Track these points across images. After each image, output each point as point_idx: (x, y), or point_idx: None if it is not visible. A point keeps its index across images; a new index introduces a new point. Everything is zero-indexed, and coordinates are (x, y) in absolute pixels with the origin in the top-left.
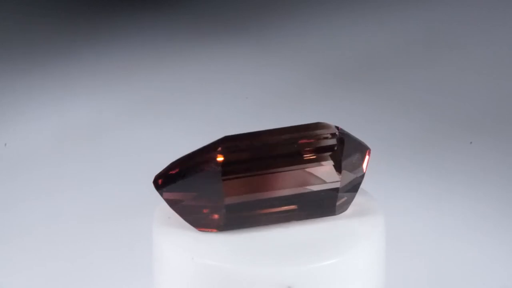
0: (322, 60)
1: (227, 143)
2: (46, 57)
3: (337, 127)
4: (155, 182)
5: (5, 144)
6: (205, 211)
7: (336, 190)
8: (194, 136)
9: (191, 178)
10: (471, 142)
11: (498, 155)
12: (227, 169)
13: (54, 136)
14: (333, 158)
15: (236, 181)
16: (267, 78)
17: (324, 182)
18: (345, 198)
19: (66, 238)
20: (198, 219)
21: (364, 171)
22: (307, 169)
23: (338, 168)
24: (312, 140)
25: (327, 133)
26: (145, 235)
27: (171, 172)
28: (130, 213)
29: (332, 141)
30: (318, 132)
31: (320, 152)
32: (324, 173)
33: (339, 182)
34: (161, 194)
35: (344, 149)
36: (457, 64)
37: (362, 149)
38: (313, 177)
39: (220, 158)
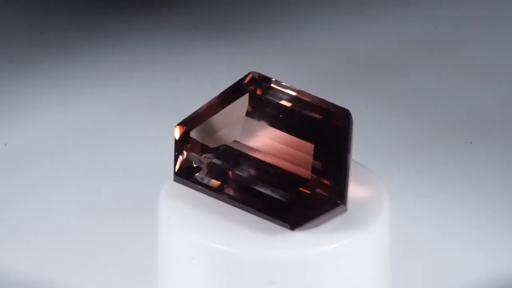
0: (322, 60)
1: None
2: (46, 57)
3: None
4: None
5: (5, 144)
6: None
7: None
8: None
9: None
10: (471, 142)
11: (498, 155)
12: None
13: (54, 136)
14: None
15: None
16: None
17: None
18: None
19: (66, 238)
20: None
21: None
22: None
23: None
24: None
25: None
26: (147, 235)
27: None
28: (131, 213)
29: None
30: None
31: None
32: None
33: None
34: None
35: None
36: (457, 64)
37: None
38: None
39: None
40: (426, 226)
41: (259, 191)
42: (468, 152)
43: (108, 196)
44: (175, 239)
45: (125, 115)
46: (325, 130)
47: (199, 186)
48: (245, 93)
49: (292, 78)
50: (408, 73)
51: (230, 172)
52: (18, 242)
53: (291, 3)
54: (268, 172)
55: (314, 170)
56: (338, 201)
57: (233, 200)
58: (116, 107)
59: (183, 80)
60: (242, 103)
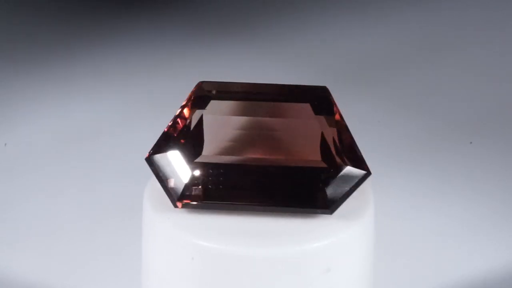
0: (322, 60)
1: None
2: (46, 57)
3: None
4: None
5: (5, 144)
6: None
7: None
8: None
9: None
10: (471, 142)
11: (498, 155)
12: None
13: (54, 136)
14: None
15: None
16: (267, 80)
17: None
18: None
19: (66, 238)
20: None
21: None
22: None
23: None
24: None
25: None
26: None
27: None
28: (131, 213)
29: None
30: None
31: None
32: None
33: None
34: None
35: None
36: (457, 64)
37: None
38: None
39: None
40: (426, 226)
41: (279, 190)
42: (468, 152)
43: (108, 196)
44: (175, 241)
45: (125, 115)
46: (316, 109)
47: (210, 204)
48: (206, 103)
49: (292, 78)
50: (408, 73)
51: (239, 183)
52: (18, 242)
53: (291, 3)
54: (278, 171)
55: (334, 149)
56: (366, 171)
57: (255, 206)
58: (116, 108)
59: (183, 81)
60: (199, 116)
